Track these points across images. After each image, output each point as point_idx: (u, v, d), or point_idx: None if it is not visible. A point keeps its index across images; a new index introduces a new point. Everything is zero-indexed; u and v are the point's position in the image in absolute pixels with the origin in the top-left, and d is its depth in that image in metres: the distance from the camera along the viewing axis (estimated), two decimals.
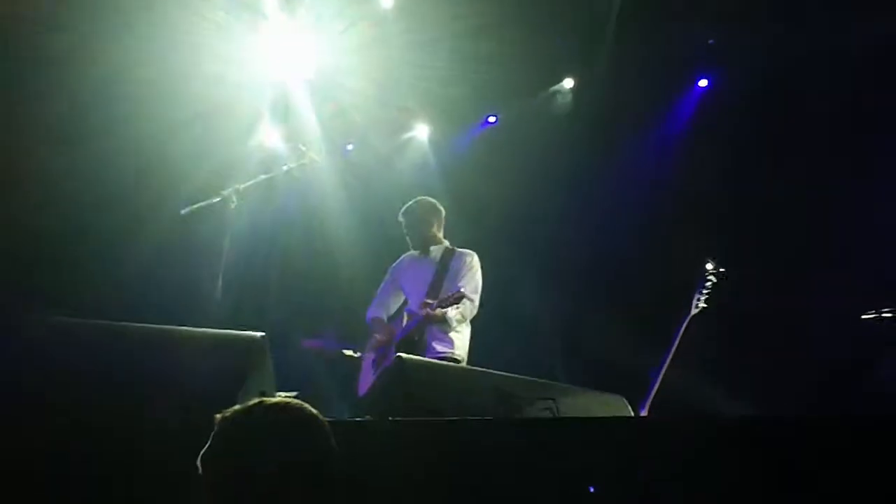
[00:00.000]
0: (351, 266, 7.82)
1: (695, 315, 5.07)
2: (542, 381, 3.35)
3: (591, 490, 2.27)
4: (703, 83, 7.33)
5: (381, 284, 5.37)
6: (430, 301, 4.79)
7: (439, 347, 4.83)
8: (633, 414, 3.70)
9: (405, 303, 5.27)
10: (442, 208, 5.32)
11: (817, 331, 5.74)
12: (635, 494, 2.27)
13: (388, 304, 5.31)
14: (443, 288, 4.96)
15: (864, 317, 5.11)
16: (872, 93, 6.16)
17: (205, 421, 2.29)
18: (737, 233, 6.69)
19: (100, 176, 6.37)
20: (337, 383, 6.40)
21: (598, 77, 7.38)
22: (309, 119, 7.37)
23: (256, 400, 1.89)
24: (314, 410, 1.88)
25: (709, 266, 5.23)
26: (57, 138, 6.17)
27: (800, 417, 2.35)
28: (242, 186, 4.83)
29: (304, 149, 5.25)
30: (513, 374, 3.28)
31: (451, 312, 4.77)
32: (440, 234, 5.25)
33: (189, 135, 6.61)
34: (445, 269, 5.05)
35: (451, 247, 5.21)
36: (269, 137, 7.71)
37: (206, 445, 1.83)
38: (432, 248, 5.19)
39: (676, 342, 4.93)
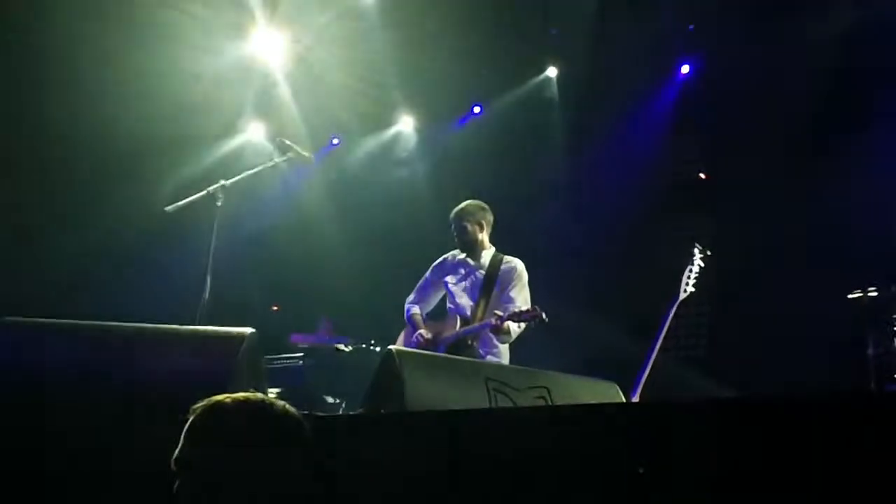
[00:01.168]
0: (339, 261, 7.80)
1: (683, 299, 5.08)
2: (534, 369, 3.35)
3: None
4: (685, 69, 7.35)
5: (422, 280, 5.37)
6: (499, 313, 4.75)
7: (492, 358, 4.88)
8: (624, 400, 3.71)
9: (444, 300, 5.28)
10: (492, 213, 5.28)
11: (806, 311, 5.77)
12: (630, 479, 2.27)
13: (429, 301, 5.34)
14: (492, 295, 4.99)
15: (850, 296, 5.15)
16: (856, 77, 6.20)
17: None
18: (723, 217, 6.71)
19: (81, 173, 6.32)
20: (327, 378, 6.38)
21: (582, 66, 7.38)
22: (293, 113, 7.34)
23: (222, 396, 1.85)
24: (290, 407, 1.84)
25: (696, 250, 5.24)
26: (36, 137, 6.12)
27: (793, 396, 2.36)
28: (228, 182, 4.80)
29: (288, 143, 5.22)
30: (504, 364, 3.28)
31: (515, 327, 4.77)
32: (488, 239, 5.24)
33: (172, 130, 6.57)
34: (495, 278, 5.06)
35: (499, 253, 5.20)
36: (253, 132, 7.66)
37: (190, 441, 1.79)
38: (483, 253, 5.19)
39: (665, 327, 4.94)
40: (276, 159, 5.22)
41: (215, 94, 6.80)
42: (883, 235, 5.65)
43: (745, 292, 6.34)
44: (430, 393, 2.91)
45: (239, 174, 5.00)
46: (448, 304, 5.26)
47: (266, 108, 7.45)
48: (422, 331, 5.13)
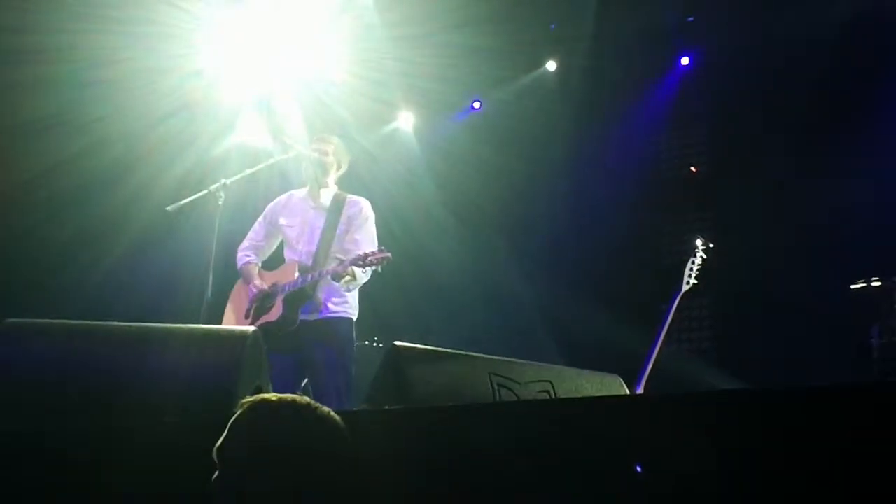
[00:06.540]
0: None
1: (685, 292, 5.09)
2: (538, 363, 3.35)
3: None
4: (685, 61, 7.35)
5: (256, 224, 5.00)
6: (341, 258, 4.54)
7: (336, 307, 4.64)
8: (629, 392, 3.71)
9: (281, 246, 4.93)
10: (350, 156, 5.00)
11: (808, 302, 5.78)
12: (634, 474, 2.27)
13: (264, 249, 4.97)
14: (335, 238, 4.70)
15: (853, 287, 5.15)
16: (853, 67, 6.19)
17: (201, 417, 2.27)
18: (725, 209, 6.71)
19: (80, 173, 6.31)
20: None
21: (581, 59, 7.38)
22: (293, 112, 7.32)
23: (270, 395, 1.88)
24: (331, 411, 1.88)
25: (698, 243, 5.25)
26: (35, 135, 6.11)
27: (797, 389, 2.36)
28: (229, 181, 4.80)
29: (289, 142, 5.21)
30: (508, 358, 3.28)
31: (360, 272, 4.47)
32: (334, 181, 4.92)
33: (172, 129, 6.56)
34: (338, 219, 4.74)
35: (341, 192, 4.89)
36: (253, 131, 7.64)
37: (232, 435, 1.80)
38: (322, 191, 4.86)
39: (668, 319, 4.95)
40: (278, 157, 5.22)
41: (214, 91, 6.79)
42: (886, 225, 5.65)
43: (747, 284, 6.34)
44: (433, 388, 2.92)
45: (240, 172, 5.00)
46: (285, 251, 4.89)
47: (266, 106, 7.44)
48: (256, 281, 4.74)
